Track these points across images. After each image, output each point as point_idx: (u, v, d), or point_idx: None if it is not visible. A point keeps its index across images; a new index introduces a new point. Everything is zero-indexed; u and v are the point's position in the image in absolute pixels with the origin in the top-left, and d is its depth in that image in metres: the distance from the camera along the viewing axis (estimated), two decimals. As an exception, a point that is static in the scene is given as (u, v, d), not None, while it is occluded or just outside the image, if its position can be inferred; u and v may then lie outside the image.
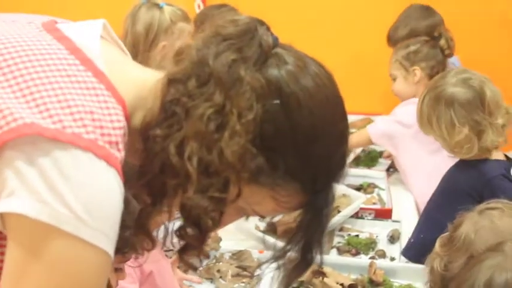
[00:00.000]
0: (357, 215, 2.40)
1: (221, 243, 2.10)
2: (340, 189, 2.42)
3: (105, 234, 0.81)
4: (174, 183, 0.85)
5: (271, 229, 2.20)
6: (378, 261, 2.02)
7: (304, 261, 0.98)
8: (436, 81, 2.00)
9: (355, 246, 2.18)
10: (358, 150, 2.97)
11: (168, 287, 1.66)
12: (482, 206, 1.31)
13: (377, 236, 2.26)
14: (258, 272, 1.98)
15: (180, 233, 0.91)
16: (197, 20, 2.88)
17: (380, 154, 3.02)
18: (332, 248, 2.21)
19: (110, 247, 0.82)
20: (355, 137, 2.75)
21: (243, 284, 1.93)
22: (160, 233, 0.99)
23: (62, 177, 0.77)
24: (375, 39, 3.20)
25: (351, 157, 2.84)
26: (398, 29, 3.05)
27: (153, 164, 0.86)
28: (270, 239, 2.08)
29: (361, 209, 2.42)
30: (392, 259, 2.12)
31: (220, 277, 1.95)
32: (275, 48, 0.90)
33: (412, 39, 2.85)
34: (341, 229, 2.33)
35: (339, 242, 2.25)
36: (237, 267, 1.99)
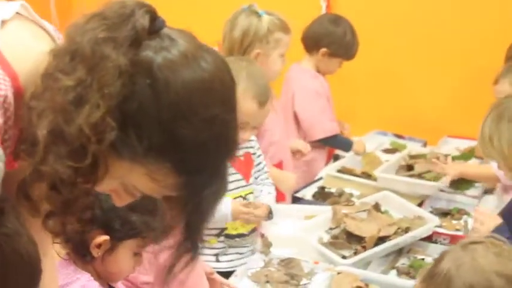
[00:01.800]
0: (430, 239, 2.34)
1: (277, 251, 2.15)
2: (415, 210, 2.39)
3: None
4: (32, 150, 0.93)
5: (335, 243, 2.22)
6: None
7: (183, 246, 1.02)
8: (499, 100, 1.96)
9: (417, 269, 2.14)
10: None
11: (195, 282, 1.73)
12: (466, 240, 1.28)
13: (444, 263, 2.19)
14: (304, 281, 2.01)
15: (48, 196, 0.98)
16: None
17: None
18: (393, 268, 2.18)
19: None
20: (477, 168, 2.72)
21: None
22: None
23: None
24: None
25: (446, 180, 2.76)
26: None
27: (25, 134, 0.95)
28: (332, 255, 2.11)
29: (435, 233, 2.35)
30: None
31: (267, 281, 2.00)
32: (156, 32, 0.94)
33: None
34: (409, 251, 2.28)
35: (403, 264, 2.21)
36: (285, 274, 2.02)
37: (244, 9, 2.54)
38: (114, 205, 1.06)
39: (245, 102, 2.04)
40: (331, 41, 3.05)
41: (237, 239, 2.19)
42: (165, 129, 0.91)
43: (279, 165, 2.64)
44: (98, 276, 1.51)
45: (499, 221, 1.86)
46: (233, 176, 2.16)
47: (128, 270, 1.54)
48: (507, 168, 1.89)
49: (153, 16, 0.96)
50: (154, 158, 0.93)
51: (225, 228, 2.16)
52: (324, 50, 3.06)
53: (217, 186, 1.00)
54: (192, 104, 0.92)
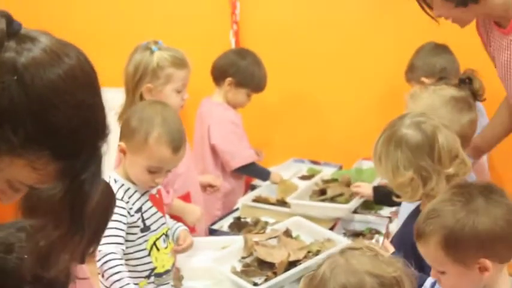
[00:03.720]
0: (341, 260, 2.41)
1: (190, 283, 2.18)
2: (325, 233, 2.47)
3: None
4: None
5: (247, 271, 2.27)
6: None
7: (71, 230, 1.09)
8: (393, 121, 1.98)
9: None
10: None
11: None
12: (346, 246, 1.34)
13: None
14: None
15: None
16: None
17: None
18: (305, 291, 2.24)
19: None
20: None
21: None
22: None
23: None
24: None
25: (358, 201, 2.86)
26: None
27: None
28: (244, 283, 2.16)
29: (346, 254, 2.43)
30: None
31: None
32: (15, 34, 1.02)
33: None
34: (321, 273, 2.35)
35: (315, 286, 2.27)
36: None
37: (142, 45, 2.61)
38: None
39: (159, 149, 2.07)
40: (235, 70, 3.16)
41: (164, 276, 2.20)
42: (38, 119, 0.99)
43: (187, 197, 2.68)
44: None
45: (391, 250, 1.89)
46: (155, 215, 2.18)
47: None
48: (394, 188, 1.95)
49: (9, 19, 1.03)
50: (32, 148, 1.01)
51: (155, 268, 2.16)
52: (229, 79, 3.16)
53: (95, 168, 1.09)
54: (59, 93, 1.01)
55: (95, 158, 1.09)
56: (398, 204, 2.74)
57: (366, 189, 2.85)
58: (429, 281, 1.64)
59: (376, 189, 2.80)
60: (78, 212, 1.09)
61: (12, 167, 1.03)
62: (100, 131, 1.10)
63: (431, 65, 3.11)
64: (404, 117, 1.96)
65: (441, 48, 3.18)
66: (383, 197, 2.75)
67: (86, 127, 1.05)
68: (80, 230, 1.11)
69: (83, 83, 1.05)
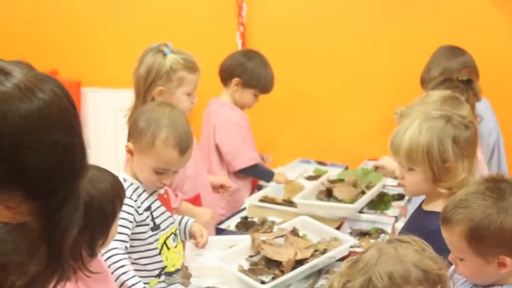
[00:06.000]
0: (348, 259, 2.43)
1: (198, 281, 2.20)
2: (332, 232, 2.49)
3: None
4: None
5: (255, 269, 2.29)
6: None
7: (49, 269, 1.06)
8: None
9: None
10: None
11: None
12: (394, 237, 1.35)
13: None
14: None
15: None
16: None
17: (393, 197, 3.02)
18: (312, 290, 2.26)
19: None
20: None
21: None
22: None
23: None
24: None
25: (364, 201, 2.89)
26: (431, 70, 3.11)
27: None
28: (251, 281, 2.18)
29: (353, 253, 2.44)
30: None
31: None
32: None
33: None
34: (328, 272, 2.37)
35: (322, 285, 2.29)
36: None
37: (153, 47, 2.63)
38: None
39: (166, 151, 2.08)
40: (242, 70, 3.19)
41: (174, 276, 2.20)
42: (9, 160, 0.94)
43: (197, 198, 2.71)
44: None
45: None
46: (164, 214, 2.20)
47: None
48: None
49: None
50: (4, 189, 0.96)
51: (165, 267, 2.17)
52: (236, 79, 3.19)
53: (73, 206, 1.03)
54: (31, 133, 0.96)
55: (72, 195, 1.03)
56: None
57: (390, 164, 2.90)
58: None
59: None
60: (56, 250, 1.05)
61: None
62: (77, 171, 1.03)
63: (449, 68, 3.10)
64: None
65: (457, 51, 3.18)
66: None
67: (60, 168, 0.99)
68: (59, 268, 1.07)
69: (57, 121, 0.99)
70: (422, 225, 1.85)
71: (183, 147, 2.11)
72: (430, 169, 1.90)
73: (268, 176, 3.24)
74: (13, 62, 1.01)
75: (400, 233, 2.10)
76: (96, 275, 1.68)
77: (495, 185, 1.54)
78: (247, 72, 3.19)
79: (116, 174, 2.14)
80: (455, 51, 3.20)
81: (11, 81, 0.96)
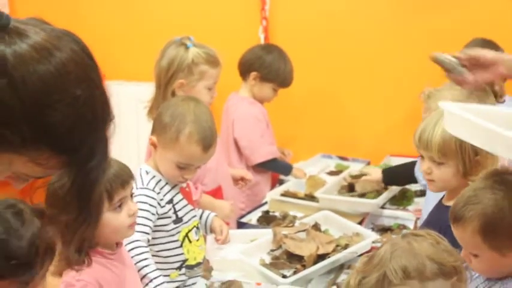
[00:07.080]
0: (369, 255, 2.42)
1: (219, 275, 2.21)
2: (354, 227, 2.48)
3: None
4: None
5: (276, 263, 2.29)
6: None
7: (80, 218, 1.09)
8: None
9: (356, 284, 2.21)
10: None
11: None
12: (408, 232, 1.34)
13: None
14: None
15: None
16: None
17: (415, 193, 3.01)
18: (334, 284, 2.25)
19: None
20: None
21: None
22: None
23: None
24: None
25: (387, 196, 2.88)
26: None
27: None
28: (273, 275, 2.18)
29: (374, 248, 2.43)
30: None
31: (207, 305, 2.05)
32: (4, 28, 0.96)
33: None
34: (349, 267, 2.36)
35: (343, 280, 2.28)
36: (225, 296, 2.08)
37: (176, 40, 2.63)
38: None
39: (190, 147, 2.07)
40: (260, 64, 3.18)
41: (195, 269, 2.21)
42: (33, 120, 0.96)
43: (218, 190, 2.71)
44: None
45: None
46: (186, 207, 2.21)
47: None
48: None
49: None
50: (31, 147, 0.98)
51: (186, 260, 2.18)
52: (254, 73, 3.18)
53: (101, 154, 1.06)
54: (52, 93, 0.97)
55: (100, 145, 1.06)
56: (408, 182, 2.87)
57: (375, 173, 2.91)
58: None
59: (385, 171, 2.88)
60: (85, 200, 1.08)
61: (15, 163, 1.02)
62: (100, 122, 1.06)
63: None
64: None
65: (491, 45, 3.13)
66: (392, 178, 2.88)
67: (83, 122, 1.01)
68: (88, 217, 1.10)
69: (77, 78, 1.00)
70: (442, 219, 1.84)
71: (207, 143, 2.11)
72: (462, 162, 1.89)
73: (287, 170, 3.24)
74: (27, 20, 1.01)
75: (420, 228, 2.10)
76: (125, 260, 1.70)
77: (502, 178, 1.53)
78: (265, 66, 3.18)
79: (139, 166, 2.17)
80: (487, 45, 3.15)
81: (26, 43, 0.96)
